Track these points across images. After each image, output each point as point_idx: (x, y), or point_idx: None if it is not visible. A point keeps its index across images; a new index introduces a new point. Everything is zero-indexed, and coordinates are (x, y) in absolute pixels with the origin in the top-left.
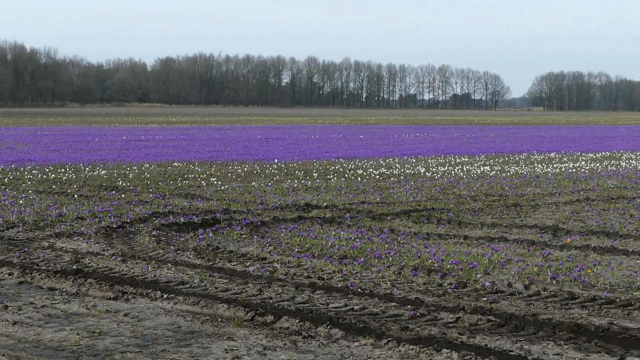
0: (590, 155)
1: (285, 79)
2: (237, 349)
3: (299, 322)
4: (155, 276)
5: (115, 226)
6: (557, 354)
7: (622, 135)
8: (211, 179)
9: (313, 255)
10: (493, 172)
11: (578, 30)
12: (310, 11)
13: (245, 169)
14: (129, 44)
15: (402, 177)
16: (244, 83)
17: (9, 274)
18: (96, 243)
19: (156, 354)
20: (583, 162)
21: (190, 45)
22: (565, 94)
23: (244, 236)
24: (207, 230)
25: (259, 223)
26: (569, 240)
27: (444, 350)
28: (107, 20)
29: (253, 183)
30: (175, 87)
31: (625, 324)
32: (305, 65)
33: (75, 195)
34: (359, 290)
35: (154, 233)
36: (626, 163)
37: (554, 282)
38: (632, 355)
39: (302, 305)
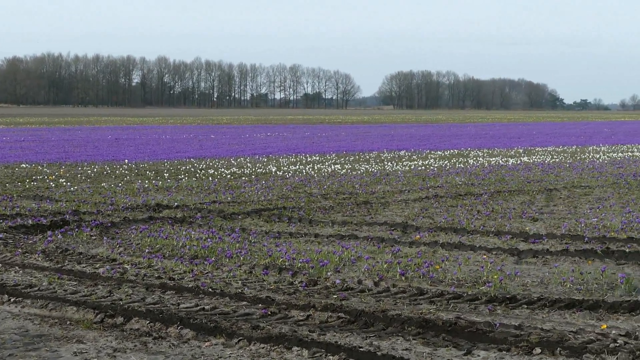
0: (439, 153)
1: (136, 79)
2: (86, 352)
3: (149, 323)
4: (2, 280)
5: None
6: (406, 349)
7: (469, 133)
8: (60, 180)
9: (164, 256)
10: (344, 171)
11: (426, 30)
12: (160, 10)
13: (95, 169)
14: None
15: (253, 177)
16: (93, 83)
17: None
18: None
19: (3, 359)
20: (432, 160)
21: (38, 44)
22: (415, 92)
23: (94, 237)
24: (56, 232)
25: (109, 224)
26: (418, 236)
27: (295, 348)
28: None
29: (103, 184)
30: (23, 87)
31: (472, 318)
32: (155, 65)
33: None
34: (210, 290)
35: (0, 236)
36: (473, 160)
37: (403, 278)
38: (478, 348)
39: (152, 306)
